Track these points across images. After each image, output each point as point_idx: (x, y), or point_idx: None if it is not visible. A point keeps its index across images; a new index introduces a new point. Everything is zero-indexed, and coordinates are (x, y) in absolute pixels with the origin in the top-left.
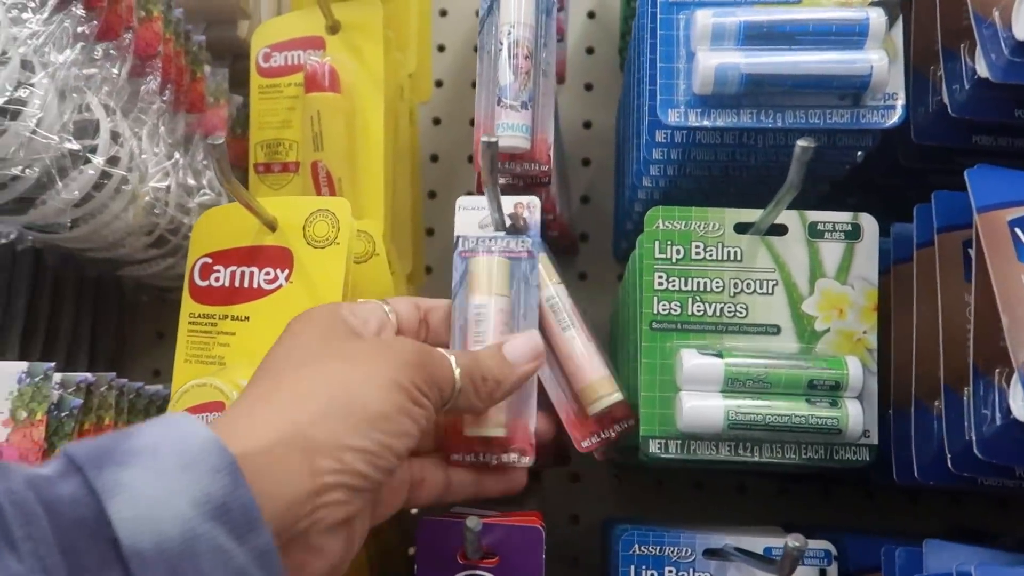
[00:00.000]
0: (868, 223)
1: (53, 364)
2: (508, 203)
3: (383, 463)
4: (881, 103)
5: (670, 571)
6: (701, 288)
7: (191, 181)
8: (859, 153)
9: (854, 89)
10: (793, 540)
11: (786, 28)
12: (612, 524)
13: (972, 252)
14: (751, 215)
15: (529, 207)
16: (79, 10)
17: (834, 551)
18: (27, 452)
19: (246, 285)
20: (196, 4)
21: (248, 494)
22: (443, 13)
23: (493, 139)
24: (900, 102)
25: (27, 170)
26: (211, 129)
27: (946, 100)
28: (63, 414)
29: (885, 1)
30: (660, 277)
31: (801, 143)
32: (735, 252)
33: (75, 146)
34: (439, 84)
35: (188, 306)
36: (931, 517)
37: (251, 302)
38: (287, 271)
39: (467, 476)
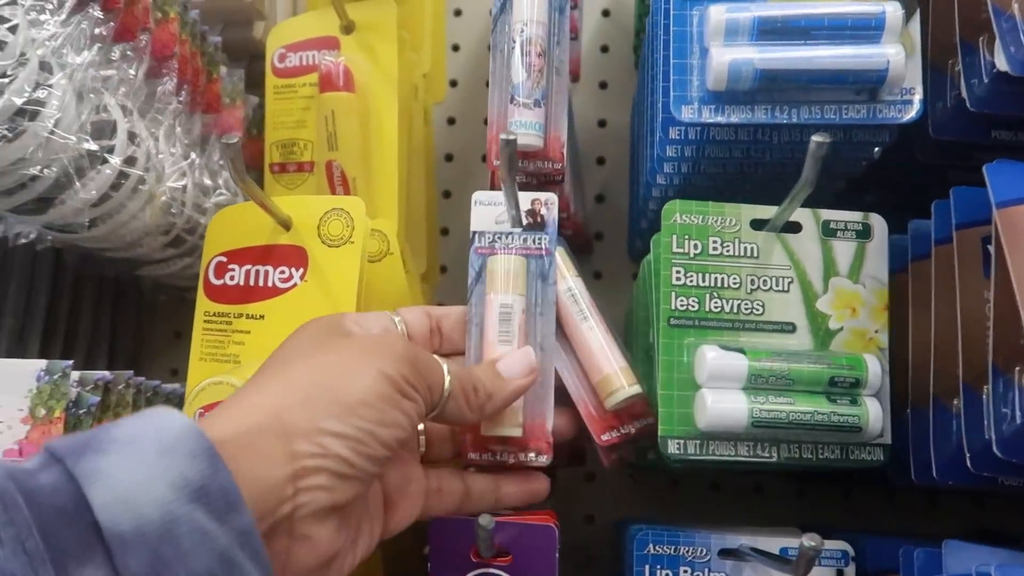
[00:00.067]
0: (878, 223)
1: (71, 362)
2: (525, 200)
3: (367, 451)
4: (898, 98)
5: (685, 571)
6: (719, 284)
7: (207, 181)
8: (876, 149)
9: (870, 84)
10: (808, 539)
11: (801, 23)
12: (627, 524)
13: (991, 248)
14: (767, 211)
15: (546, 204)
16: (96, 12)
17: (852, 552)
18: None
19: (261, 284)
20: (212, 5)
21: (228, 476)
22: (458, 13)
23: (512, 137)
24: (917, 97)
25: (46, 170)
26: (227, 129)
27: (964, 94)
28: (81, 411)
29: None
30: (678, 272)
31: (816, 139)
32: (751, 248)
33: (93, 146)
34: (453, 84)
35: (203, 304)
36: (952, 519)
37: (266, 301)
38: (302, 270)
39: (486, 484)
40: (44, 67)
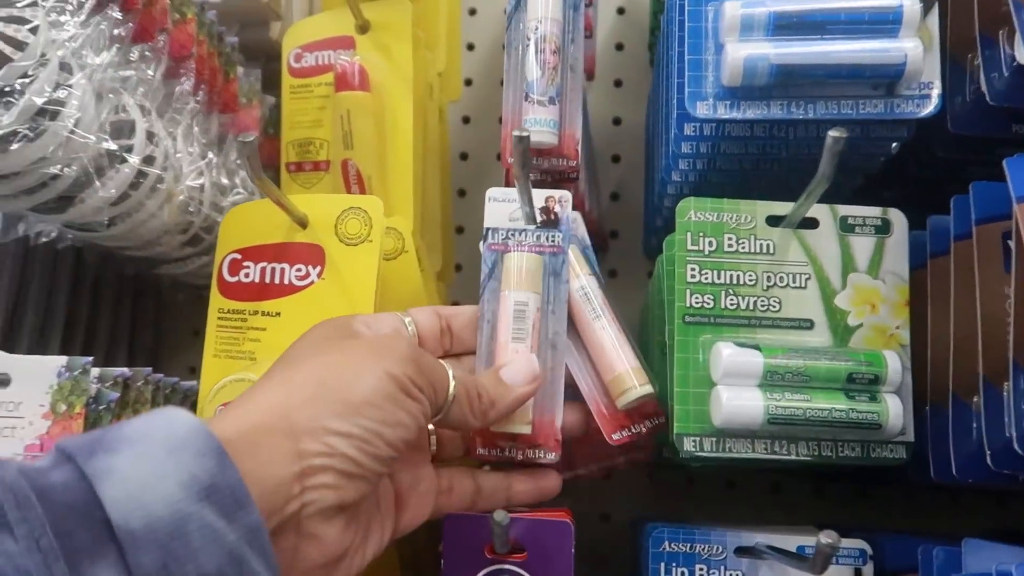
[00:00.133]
0: (897, 218)
1: (91, 359)
2: (539, 197)
3: (373, 450)
4: (916, 93)
5: (701, 569)
6: (734, 281)
7: (225, 180)
8: (893, 144)
9: (888, 79)
10: (825, 537)
11: (817, 17)
12: (643, 522)
13: (1012, 243)
14: (783, 208)
15: (561, 201)
16: (115, 13)
17: (870, 550)
18: None
19: (277, 281)
20: (229, 6)
21: (236, 475)
22: (472, 12)
23: (525, 133)
24: (936, 91)
25: (66, 169)
26: (244, 129)
27: (984, 88)
28: (101, 407)
29: None
30: (693, 269)
31: (833, 134)
32: (767, 245)
33: (112, 146)
34: (468, 83)
35: (217, 301)
36: (972, 518)
37: (282, 298)
38: (319, 268)
39: (498, 482)
40: (64, 67)
